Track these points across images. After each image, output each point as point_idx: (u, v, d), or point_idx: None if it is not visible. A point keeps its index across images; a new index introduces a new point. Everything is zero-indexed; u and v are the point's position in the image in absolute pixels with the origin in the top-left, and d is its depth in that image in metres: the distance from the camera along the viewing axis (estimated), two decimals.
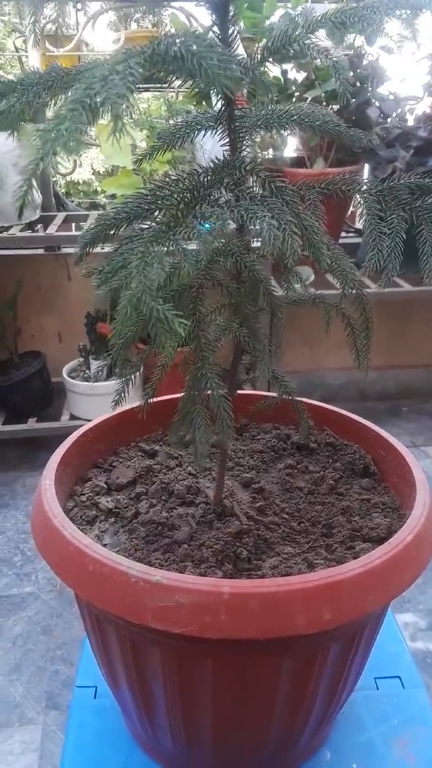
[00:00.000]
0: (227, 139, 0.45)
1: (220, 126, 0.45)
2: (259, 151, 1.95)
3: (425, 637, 1.48)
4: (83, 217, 2.19)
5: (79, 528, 0.53)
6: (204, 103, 2.02)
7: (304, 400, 0.74)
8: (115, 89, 0.29)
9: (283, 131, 0.48)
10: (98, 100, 0.29)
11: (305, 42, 0.41)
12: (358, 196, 0.45)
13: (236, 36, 0.44)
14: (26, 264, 2.18)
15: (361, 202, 0.44)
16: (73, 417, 2.09)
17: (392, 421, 2.51)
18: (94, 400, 2.02)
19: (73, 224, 2.20)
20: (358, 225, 2.40)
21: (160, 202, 0.41)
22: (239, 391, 0.72)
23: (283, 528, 0.61)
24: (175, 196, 0.41)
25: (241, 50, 1.76)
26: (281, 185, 0.40)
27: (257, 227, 0.35)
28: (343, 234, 2.29)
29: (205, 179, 0.42)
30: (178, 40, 0.32)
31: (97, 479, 0.67)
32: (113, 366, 0.44)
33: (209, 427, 0.47)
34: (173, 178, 0.42)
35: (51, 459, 0.63)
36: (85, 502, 0.63)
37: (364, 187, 0.45)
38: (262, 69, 0.42)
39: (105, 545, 0.57)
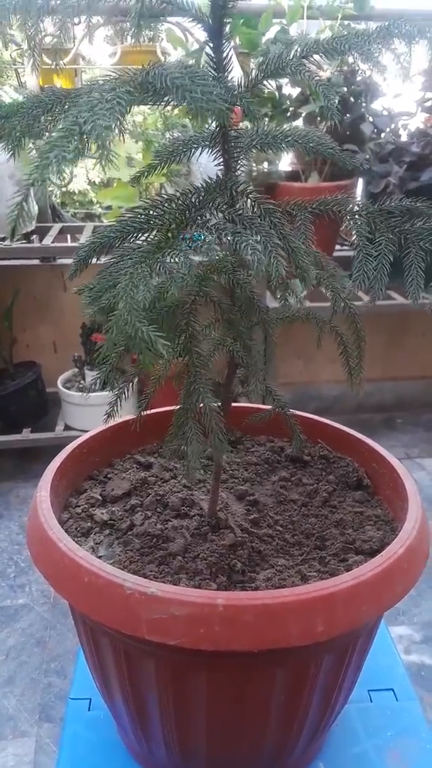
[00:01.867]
0: (222, 159, 0.46)
1: (215, 146, 0.46)
2: (254, 164, 1.97)
3: (419, 650, 1.48)
4: (79, 229, 2.20)
5: (74, 540, 0.54)
6: (199, 117, 2.04)
7: (299, 413, 0.75)
8: (101, 120, 0.30)
9: (277, 151, 0.50)
10: (86, 129, 0.30)
11: (298, 67, 0.42)
12: (348, 218, 0.46)
13: (230, 57, 0.45)
14: (22, 274, 2.19)
15: (352, 223, 0.45)
16: (67, 427, 2.09)
17: (387, 432, 2.52)
18: (89, 410, 2.02)
19: (69, 235, 2.21)
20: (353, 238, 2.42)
21: (152, 221, 0.42)
22: (234, 404, 0.73)
23: (276, 540, 0.61)
24: (167, 216, 0.42)
25: (236, 67, 1.78)
26: (270, 208, 0.41)
27: (243, 252, 0.36)
28: (338, 247, 2.31)
29: (197, 200, 0.43)
30: (165, 72, 0.34)
31: (93, 491, 0.67)
32: (105, 380, 0.45)
33: (201, 440, 0.48)
34: (166, 197, 0.43)
35: (47, 471, 0.63)
36: (80, 514, 0.64)
37: (355, 208, 0.46)
38: (249, 96, 0.43)
39: (100, 557, 0.58)
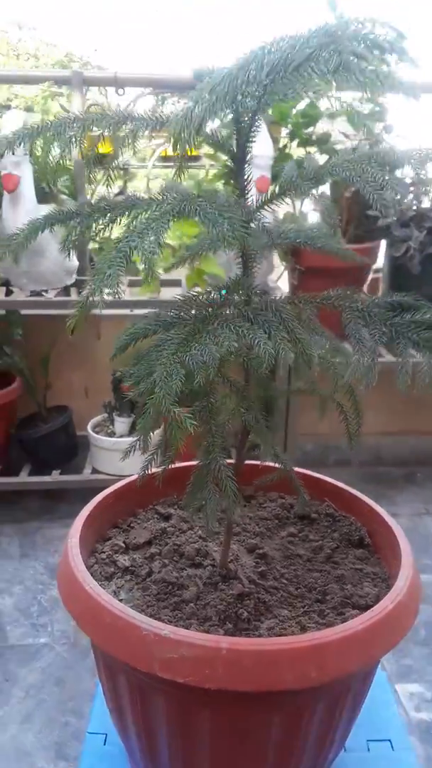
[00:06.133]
0: (241, 260, 0.54)
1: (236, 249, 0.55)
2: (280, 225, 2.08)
3: (430, 708, 1.48)
4: None
5: (98, 583, 0.60)
6: (233, 182, 2.17)
7: (308, 472, 0.81)
8: (149, 247, 0.38)
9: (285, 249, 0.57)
10: (136, 251, 0.39)
11: (309, 189, 0.51)
12: (346, 313, 0.53)
13: (251, 180, 0.54)
14: (60, 323, 2.30)
15: (349, 318, 0.53)
16: (95, 471, 2.16)
17: (406, 486, 2.54)
18: (116, 455, 2.09)
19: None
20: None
21: (182, 316, 0.50)
22: (251, 462, 0.79)
23: (281, 592, 0.67)
24: (194, 312, 0.50)
25: (265, 136, 1.90)
26: (280, 306, 0.49)
27: (255, 346, 0.44)
28: None
29: (218, 298, 0.51)
30: (199, 206, 0.42)
31: (117, 539, 0.74)
32: (142, 445, 0.52)
33: (218, 499, 0.55)
34: (193, 295, 0.52)
35: (77, 519, 0.71)
36: (105, 560, 0.71)
37: (352, 304, 0.54)
38: (259, 216, 0.51)
39: (121, 600, 0.64)
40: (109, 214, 0.52)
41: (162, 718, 0.58)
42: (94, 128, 0.56)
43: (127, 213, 0.50)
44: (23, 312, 2.16)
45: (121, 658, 0.55)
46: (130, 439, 2.14)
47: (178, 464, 0.78)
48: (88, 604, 0.57)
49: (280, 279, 2.34)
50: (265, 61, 0.39)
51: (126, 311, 2.01)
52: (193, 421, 0.41)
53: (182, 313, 0.50)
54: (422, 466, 2.68)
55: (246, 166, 0.52)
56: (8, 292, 2.04)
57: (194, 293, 0.52)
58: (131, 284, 2.25)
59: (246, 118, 0.49)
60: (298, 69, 0.39)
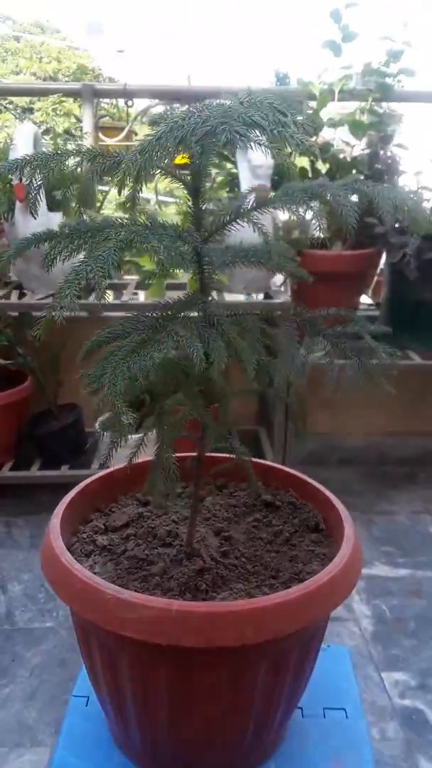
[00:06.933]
0: (198, 277, 0.63)
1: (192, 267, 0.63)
2: (283, 232, 2.16)
3: (413, 695, 1.55)
4: (123, 285, 2.43)
5: (77, 559, 0.69)
6: (236, 190, 2.25)
7: (272, 464, 0.90)
8: (98, 271, 0.47)
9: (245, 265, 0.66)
10: (89, 275, 0.48)
11: (249, 216, 0.59)
12: (284, 325, 0.62)
13: (205, 210, 0.62)
14: (72, 324, 2.41)
15: (286, 330, 0.61)
16: (101, 466, 2.27)
17: (408, 486, 2.60)
18: (122, 451, 2.19)
19: (114, 292, 2.44)
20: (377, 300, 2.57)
21: (136, 326, 0.59)
22: (220, 455, 0.88)
23: (239, 569, 0.75)
24: (148, 322, 0.58)
25: None
26: (222, 320, 0.58)
27: (190, 353, 0.52)
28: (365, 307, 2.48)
29: (172, 312, 0.60)
30: (145, 237, 0.51)
31: (97, 521, 0.83)
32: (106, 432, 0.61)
33: (164, 483, 0.64)
34: (151, 307, 0.60)
35: (60, 503, 0.80)
36: (86, 539, 0.80)
37: (291, 317, 0.62)
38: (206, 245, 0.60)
39: (96, 573, 0.73)
40: (82, 237, 0.61)
41: (126, 674, 0.66)
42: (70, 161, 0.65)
43: (94, 237, 0.59)
44: (35, 314, 2.27)
45: (90, 619, 0.64)
46: (135, 437, 2.24)
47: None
48: (62, 572, 0.66)
49: (284, 283, 2.42)
50: (177, 134, 0.48)
51: (132, 314, 2.11)
52: (132, 415, 0.50)
53: (135, 327, 0.59)
54: (425, 466, 2.73)
55: (200, 201, 0.61)
56: (21, 295, 2.15)
57: (152, 306, 0.61)
58: (138, 287, 2.35)
59: (195, 161, 0.58)
60: (201, 140, 0.48)
